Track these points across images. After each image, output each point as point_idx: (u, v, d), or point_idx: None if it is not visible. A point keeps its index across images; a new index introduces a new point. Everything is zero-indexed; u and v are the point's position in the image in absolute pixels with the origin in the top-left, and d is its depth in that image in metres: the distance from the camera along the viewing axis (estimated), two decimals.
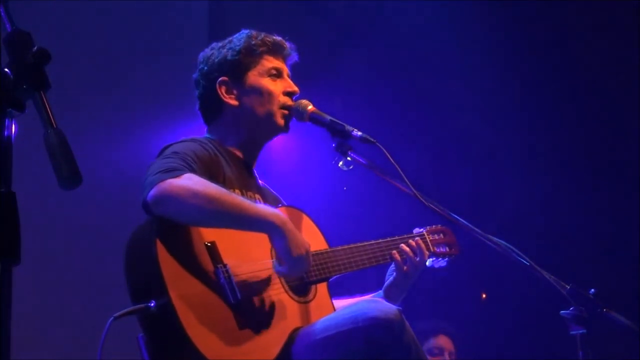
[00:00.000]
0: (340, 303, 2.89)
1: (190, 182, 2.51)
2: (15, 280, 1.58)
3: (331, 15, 5.74)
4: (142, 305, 2.46)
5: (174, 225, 2.54)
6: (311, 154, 5.05)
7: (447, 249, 3.17)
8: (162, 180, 2.50)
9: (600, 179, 5.61)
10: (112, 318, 2.50)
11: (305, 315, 2.73)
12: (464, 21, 5.69)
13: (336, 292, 2.90)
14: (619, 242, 5.45)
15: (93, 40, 4.98)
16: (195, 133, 2.95)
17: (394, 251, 2.98)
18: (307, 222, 2.90)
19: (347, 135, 2.84)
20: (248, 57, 2.93)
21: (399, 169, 2.76)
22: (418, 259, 2.99)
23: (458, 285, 5.45)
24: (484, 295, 5.78)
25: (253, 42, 2.94)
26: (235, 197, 2.59)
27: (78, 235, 4.75)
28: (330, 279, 2.85)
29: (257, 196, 2.88)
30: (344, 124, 2.87)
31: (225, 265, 2.56)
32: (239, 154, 2.93)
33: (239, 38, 2.97)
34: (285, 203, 3.04)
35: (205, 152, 2.74)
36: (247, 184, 2.87)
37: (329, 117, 2.90)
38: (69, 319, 4.62)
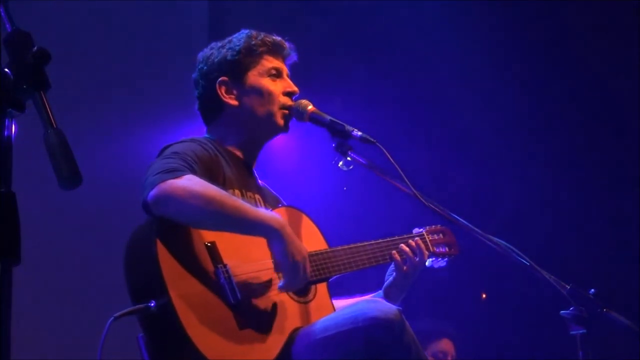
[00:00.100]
0: (340, 303, 2.89)
1: (191, 183, 2.51)
2: (16, 280, 1.58)
3: (331, 15, 5.74)
4: (142, 305, 2.46)
5: (174, 226, 2.54)
6: (311, 154, 5.05)
7: (447, 249, 3.17)
8: (163, 180, 2.50)
9: (601, 179, 5.61)
10: (112, 318, 2.50)
11: (305, 316, 2.73)
12: (464, 21, 5.69)
13: (336, 292, 2.90)
14: (619, 242, 5.45)
15: (93, 40, 4.98)
16: (195, 133, 2.95)
17: (394, 251, 2.98)
18: (306, 222, 2.90)
19: (347, 135, 2.84)
20: (248, 57, 2.93)
21: (398, 169, 2.76)
22: (417, 259, 2.99)
23: (458, 285, 5.45)
24: (484, 295, 5.78)
25: (253, 42, 2.95)
26: (235, 200, 2.59)
27: (78, 235, 4.75)
28: (330, 279, 2.85)
29: (257, 196, 2.89)
30: (344, 123, 2.87)
31: (225, 266, 2.56)
32: (238, 153, 2.93)
33: (239, 38, 2.97)
34: (285, 203, 3.04)
35: (205, 153, 2.74)
36: (247, 184, 2.87)
37: (329, 117, 2.90)
38: (69, 319, 4.62)
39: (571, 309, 2.69)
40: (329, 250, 2.86)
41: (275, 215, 2.63)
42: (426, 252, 3.04)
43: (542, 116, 5.73)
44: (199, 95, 2.99)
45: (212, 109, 2.96)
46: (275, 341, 2.60)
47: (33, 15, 4.01)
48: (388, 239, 3.01)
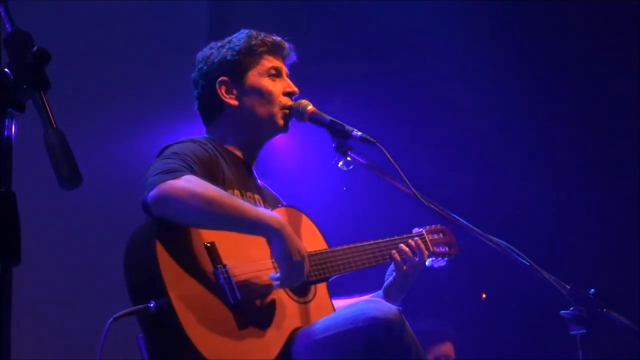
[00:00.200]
0: (340, 303, 2.89)
1: (190, 183, 2.51)
2: (16, 280, 1.58)
3: (331, 15, 5.74)
4: (141, 306, 2.46)
5: (174, 226, 2.54)
6: (311, 154, 5.05)
7: (447, 249, 3.17)
8: (163, 181, 2.50)
9: (601, 179, 5.61)
10: (112, 319, 2.50)
11: (305, 316, 2.73)
12: (465, 21, 5.69)
13: (336, 292, 2.90)
14: (619, 242, 5.44)
15: (93, 40, 4.98)
16: (195, 133, 2.95)
17: (394, 251, 2.98)
18: (306, 222, 2.90)
19: (347, 135, 2.84)
20: (248, 57, 2.93)
21: (398, 169, 2.76)
22: (417, 258, 3.00)
23: (458, 285, 5.44)
24: (484, 295, 5.78)
25: (253, 42, 2.95)
26: (234, 200, 2.59)
27: (78, 236, 4.75)
28: (330, 279, 2.85)
29: (257, 196, 2.89)
30: (343, 123, 2.87)
31: (224, 266, 2.56)
32: (238, 153, 2.93)
33: (239, 38, 2.97)
34: (284, 203, 3.04)
35: (205, 153, 2.74)
36: (246, 184, 2.87)
37: (328, 117, 2.90)
38: (69, 319, 4.62)
39: (571, 309, 2.69)
40: (328, 250, 2.86)
41: (275, 215, 2.63)
42: (426, 252, 3.04)
43: (542, 116, 5.73)
44: (199, 95, 2.99)
45: (211, 109, 2.96)
46: (275, 341, 2.60)
47: (33, 15, 4.01)
48: (388, 239, 3.01)
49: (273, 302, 2.65)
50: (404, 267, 2.98)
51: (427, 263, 3.07)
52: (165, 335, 2.49)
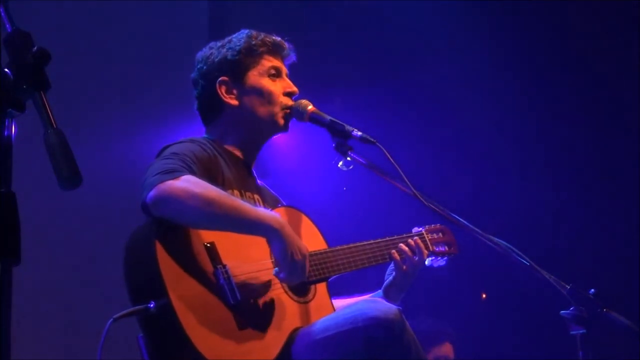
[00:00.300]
0: (339, 303, 2.89)
1: (189, 184, 2.51)
2: (16, 280, 1.58)
3: (331, 16, 5.74)
4: (141, 306, 2.46)
5: (174, 227, 2.54)
6: (311, 154, 5.04)
7: (446, 248, 3.17)
8: (162, 181, 2.50)
9: (601, 179, 5.61)
10: (112, 319, 2.50)
11: (305, 316, 2.73)
12: (465, 21, 5.69)
13: (336, 292, 2.90)
14: (619, 242, 5.44)
15: (93, 40, 4.98)
16: (195, 133, 2.95)
17: (393, 250, 2.98)
18: (306, 222, 2.90)
19: (347, 135, 2.84)
20: (248, 57, 2.94)
21: (399, 168, 2.76)
22: (417, 258, 2.99)
23: (458, 285, 5.44)
24: (484, 295, 5.78)
25: (253, 42, 2.95)
26: (234, 200, 2.59)
27: (78, 236, 4.75)
28: (330, 279, 2.85)
29: (256, 196, 2.89)
30: (344, 123, 2.87)
31: (224, 266, 2.56)
32: (238, 153, 2.94)
33: (239, 38, 2.97)
34: (284, 203, 3.04)
35: (204, 153, 2.74)
36: (245, 185, 2.87)
37: (329, 117, 2.90)
38: (69, 319, 4.62)
39: (571, 309, 2.69)
40: (328, 250, 2.86)
41: (275, 215, 2.63)
42: (425, 251, 3.04)
43: (542, 116, 5.73)
44: (198, 95, 2.99)
45: (211, 109, 2.96)
46: (275, 341, 2.60)
47: (33, 15, 4.01)
48: (387, 239, 3.01)
49: (273, 302, 2.65)
50: (404, 267, 2.98)
51: (426, 262, 3.07)
52: (165, 335, 2.49)
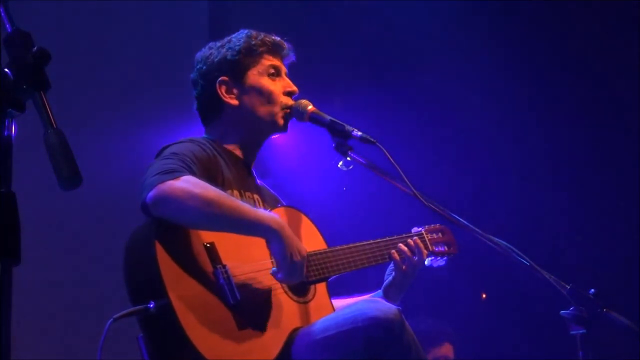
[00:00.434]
0: (339, 303, 2.89)
1: (189, 184, 2.51)
2: (16, 280, 1.58)
3: (331, 16, 5.74)
4: (141, 307, 2.46)
5: (173, 227, 2.54)
6: (311, 154, 5.04)
7: (446, 248, 3.17)
8: (161, 181, 2.50)
9: (601, 179, 5.61)
10: (112, 319, 2.50)
11: (305, 316, 2.73)
12: (465, 21, 5.69)
13: (336, 292, 2.90)
14: (619, 242, 5.44)
15: (93, 40, 4.98)
16: (195, 133, 2.95)
17: (393, 250, 2.98)
18: (305, 222, 2.90)
19: (347, 135, 2.84)
20: (248, 57, 2.94)
21: (399, 168, 2.76)
22: (416, 258, 2.99)
23: (458, 285, 5.44)
24: (484, 295, 5.78)
25: (253, 42, 2.95)
26: (233, 201, 2.59)
27: (78, 236, 4.75)
28: (330, 279, 2.85)
29: (256, 196, 2.89)
30: (344, 123, 2.87)
31: (224, 266, 2.56)
32: (238, 153, 2.94)
33: (238, 38, 2.97)
34: (283, 203, 3.04)
35: (204, 153, 2.74)
36: (245, 185, 2.87)
37: (329, 117, 2.89)
38: (69, 319, 4.62)
39: (571, 309, 2.69)
40: (328, 250, 2.86)
41: (274, 216, 2.63)
42: (425, 251, 3.04)
43: (542, 116, 5.73)
44: (198, 96, 2.99)
45: (211, 109, 2.96)
46: (275, 341, 2.60)
47: (33, 15, 4.01)
48: (387, 238, 3.01)
49: (273, 302, 2.65)
50: (403, 267, 2.98)
51: (426, 262, 3.07)
52: (165, 335, 2.49)
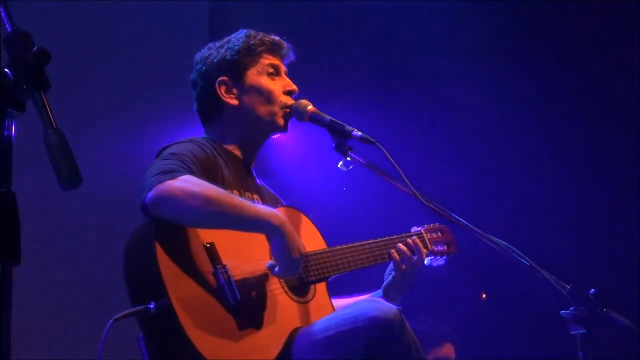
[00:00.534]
0: (339, 303, 2.89)
1: (188, 183, 2.51)
2: (16, 280, 1.58)
3: (331, 16, 5.74)
4: (141, 307, 2.46)
5: (173, 227, 2.54)
6: (311, 154, 5.04)
7: (445, 248, 3.17)
8: (161, 182, 2.50)
9: (601, 179, 5.61)
10: (112, 320, 2.50)
11: (305, 315, 2.73)
12: (465, 21, 5.69)
13: (335, 292, 2.90)
14: (619, 242, 5.44)
15: (92, 40, 4.98)
16: (194, 133, 2.95)
17: (392, 250, 2.98)
18: (305, 222, 2.90)
19: (347, 135, 2.84)
20: (247, 56, 2.94)
21: (398, 168, 2.76)
22: (416, 257, 3.00)
23: (458, 285, 5.44)
24: (484, 295, 5.78)
25: (252, 42, 2.95)
26: (233, 198, 2.59)
27: (78, 236, 4.75)
28: (329, 279, 2.85)
29: (256, 196, 2.89)
30: (344, 123, 2.87)
31: (224, 266, 2.56)
32: (237, 153, 2.94)
33: (238, 38, 2.97)
34: (283, 203, 3.04)
35: (204, 153, 2.74)
36: (245, 185, 2.87)
37: (329, 117, 2.89)
38: (69, 320, 4.62)
39: (571, 309, 2.69)
40: (327, 250, 2.86)
41: (275, 212, 2.64)
42: (424, 251, 3.04)
43: (542, 116, 5.73)
44: (198, 96, 2.99)
45: (211, 109, 2.96)
46: (275, 341, 2.60)
47: (33, 15, 4.01)
48: (386, 238, 3.01)
49: (273, 302, 2.65)
50: (403, 266, 2.98)
51: (425, 262, 3.07)
52: (165, 335, 2.49)
